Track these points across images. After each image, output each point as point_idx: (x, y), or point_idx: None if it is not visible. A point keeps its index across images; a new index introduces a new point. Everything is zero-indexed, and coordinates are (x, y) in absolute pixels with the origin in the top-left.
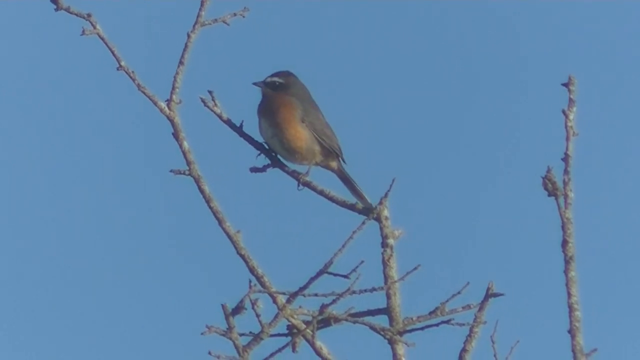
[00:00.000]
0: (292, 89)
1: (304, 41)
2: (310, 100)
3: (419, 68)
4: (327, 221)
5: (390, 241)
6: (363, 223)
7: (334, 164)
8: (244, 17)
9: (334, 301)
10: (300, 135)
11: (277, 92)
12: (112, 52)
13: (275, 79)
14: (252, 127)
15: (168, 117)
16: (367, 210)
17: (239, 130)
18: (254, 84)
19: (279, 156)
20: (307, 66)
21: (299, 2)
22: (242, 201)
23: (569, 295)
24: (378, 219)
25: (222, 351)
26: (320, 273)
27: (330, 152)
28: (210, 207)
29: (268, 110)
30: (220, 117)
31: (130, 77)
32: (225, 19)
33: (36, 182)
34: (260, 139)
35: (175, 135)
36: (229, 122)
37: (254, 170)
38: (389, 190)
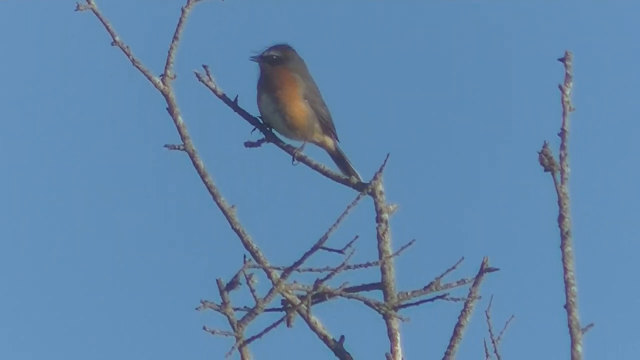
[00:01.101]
0: (291, 63)
1: (297, 16)
2: (309, 75)
3: (410, 41)
4: (321, 196)
5: (385, 216)
6: (357, 198)
7: (330, 142)
8: None
9: (328, 276)
10: (303, 112)
11: (277, 66)
12: (107, 27)
13: (273, 52)
14: (246, 102)
15: (162, 92)
16: (362, 185)
17: (233, 105)
18: (251, 58)
19: (274, 130)
20: (302, 40)
21: None
22: (237, 176)
23: (565, 270)
24: (372, 194)
25: (217, 326)
26: (315, 248)
27: (327, 130)
28: (205, 182)
29: (270, 85)
30: (215, 91)
31: (125, 52)
32: None
33: (30, 159)
34: (255, 113)
35: (170, 110)
36: (223, 97)
37: (249, 144)
38: (383, 165)
